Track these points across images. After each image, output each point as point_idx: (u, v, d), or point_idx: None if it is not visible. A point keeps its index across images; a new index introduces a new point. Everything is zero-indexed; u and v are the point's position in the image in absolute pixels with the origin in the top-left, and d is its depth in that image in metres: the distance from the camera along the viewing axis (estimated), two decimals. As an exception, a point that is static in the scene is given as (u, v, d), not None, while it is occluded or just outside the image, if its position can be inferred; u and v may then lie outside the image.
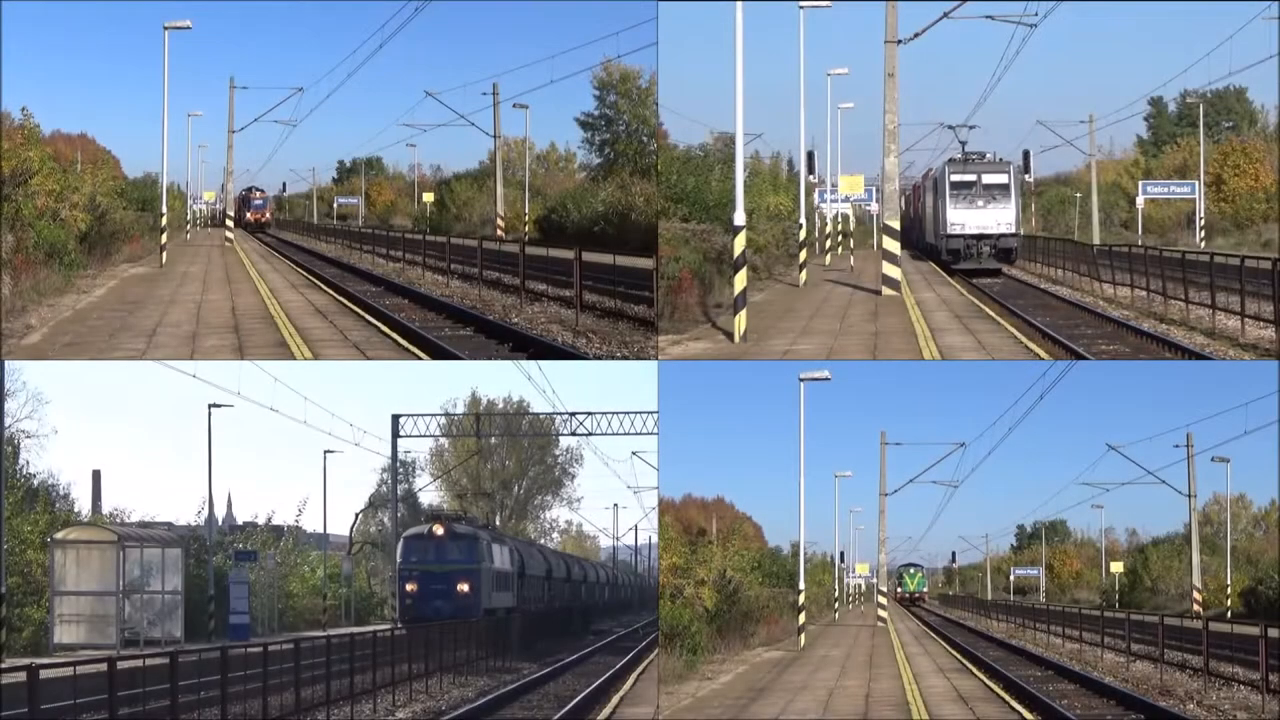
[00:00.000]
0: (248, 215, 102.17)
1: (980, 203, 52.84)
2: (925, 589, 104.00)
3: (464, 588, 35.25)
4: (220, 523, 55.40)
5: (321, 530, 47.69)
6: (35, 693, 14.78)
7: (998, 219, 52.83)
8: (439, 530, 36.07)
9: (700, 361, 28.06)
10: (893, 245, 37.80)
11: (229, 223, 72.55)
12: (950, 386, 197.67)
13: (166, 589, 31.18)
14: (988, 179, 53.38)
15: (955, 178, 53.57)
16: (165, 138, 51.86)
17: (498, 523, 77.27)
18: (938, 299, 38.54)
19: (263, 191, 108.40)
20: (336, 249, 69.84)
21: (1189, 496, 48.59)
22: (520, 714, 23.15)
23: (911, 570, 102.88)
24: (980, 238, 52.66)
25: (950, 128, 57.62)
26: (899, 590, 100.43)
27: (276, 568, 41.93)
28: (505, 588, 38.69)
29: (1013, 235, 53.28)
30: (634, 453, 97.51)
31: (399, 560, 36.37)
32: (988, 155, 54.83)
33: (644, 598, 72.63)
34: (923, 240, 65.73)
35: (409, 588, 35.57)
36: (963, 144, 56.78)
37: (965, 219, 52.80)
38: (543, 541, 78.70)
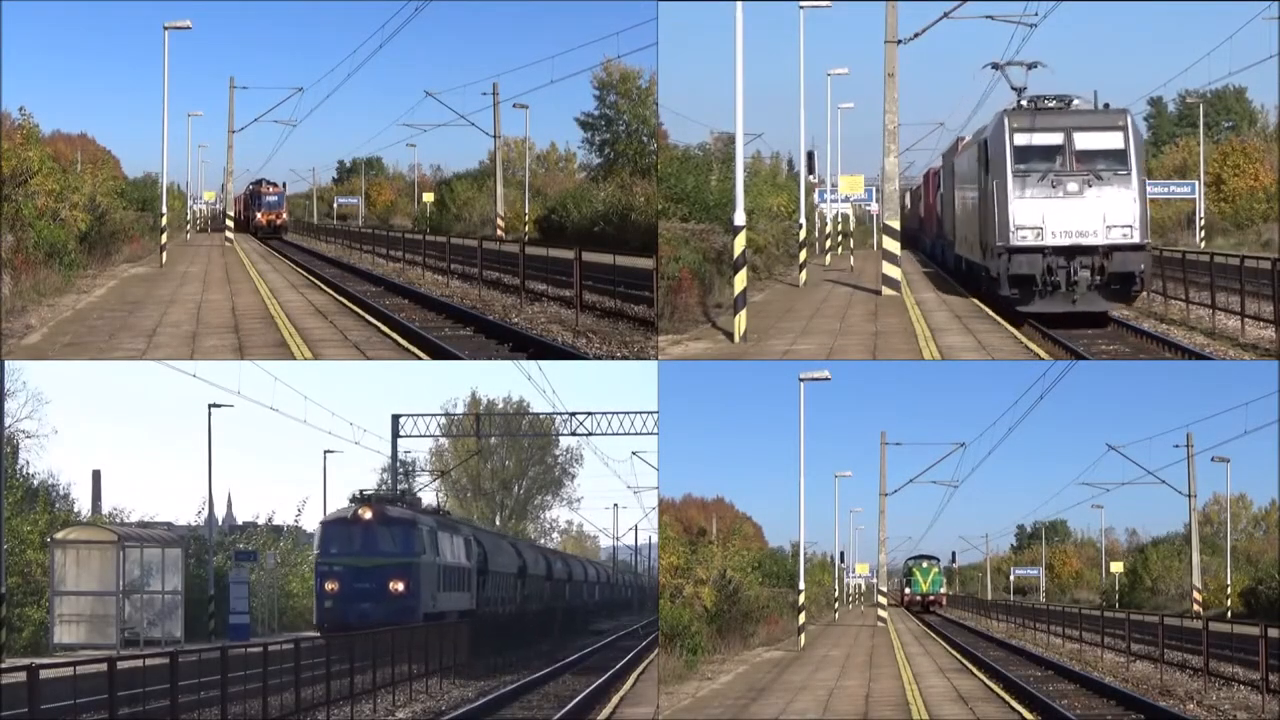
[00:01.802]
0: (258, 215, 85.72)
1: (1072, 185, 29.70)
2: (942, 588, 78.57)
3: (398, 587, 29.19)
4: (220, 523, 55.39)
5: (321, 530, 47.67)
6: (35, 693, 14.79)
7: (1107, 214, 29.60)
8: (366, 514, 29.60)
9: (700, 361, 28.06)
10: (892, 245, 37.74)
11: (229, 223, 71.97)
12: (950, 386, 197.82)
13: (166, 589, 31.19)
14: (1084, 141, 30.09)
15: (1023, 140, 30.36)
16: (165, 138, 51.89)
17: (497, 523, 77.30)
18: (938, 299, 38.50)
19: (276, 186, 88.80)
20: (336, 249, 69.95)
21: (1189, 496, 48.70)
22: (520, 714, 23.14)
23: (924, 564, 77.25)
24: (1074, 251, 29.60)
25: (996, 67, 34.55)
26: (907, 591, 78.22)
27: (276, 568, 41.93)
28: (458, 586, 33.02)
29: (1137, 247, 29.65)
30: (634, 453, 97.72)
31: (317, 552, 30.29)
32: (1076, 101, 31.47)
33: (643, 597, 72.63)
34: (948, 253, 45.95)
35: (329, 587, 29.35)
36: (1018, 91, 33.05)
37: (1044, 215, 29.71)
38: (542, 542, 78.68)
